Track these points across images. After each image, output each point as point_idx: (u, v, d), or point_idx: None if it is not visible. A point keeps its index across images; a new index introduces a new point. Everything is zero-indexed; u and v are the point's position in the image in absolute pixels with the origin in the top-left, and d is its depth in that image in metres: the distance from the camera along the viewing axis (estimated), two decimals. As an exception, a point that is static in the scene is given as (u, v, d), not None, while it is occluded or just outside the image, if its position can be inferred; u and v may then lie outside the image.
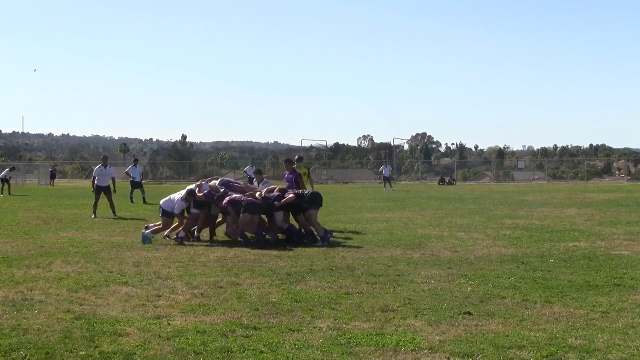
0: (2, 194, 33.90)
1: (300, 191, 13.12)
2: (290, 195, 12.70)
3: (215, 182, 13.35)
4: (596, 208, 20.83)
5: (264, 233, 12.34)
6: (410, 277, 8.49)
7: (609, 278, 8.35)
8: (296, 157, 15.92)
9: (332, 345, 5.45)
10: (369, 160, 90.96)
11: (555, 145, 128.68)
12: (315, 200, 12.74)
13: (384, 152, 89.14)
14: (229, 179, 15.04)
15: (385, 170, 40.67)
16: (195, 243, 12.39)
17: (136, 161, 28.51)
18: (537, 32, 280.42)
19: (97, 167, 20.09)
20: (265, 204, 12.55)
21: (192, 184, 13.91)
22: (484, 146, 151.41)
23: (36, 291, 7.67)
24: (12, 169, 39.62)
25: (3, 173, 36.06)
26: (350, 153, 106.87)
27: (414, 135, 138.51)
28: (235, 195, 12.56)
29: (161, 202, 13.15)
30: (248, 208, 12.18)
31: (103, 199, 19.17)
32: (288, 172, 14.67)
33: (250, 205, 12.23)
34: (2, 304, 6.98)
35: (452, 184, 49.99)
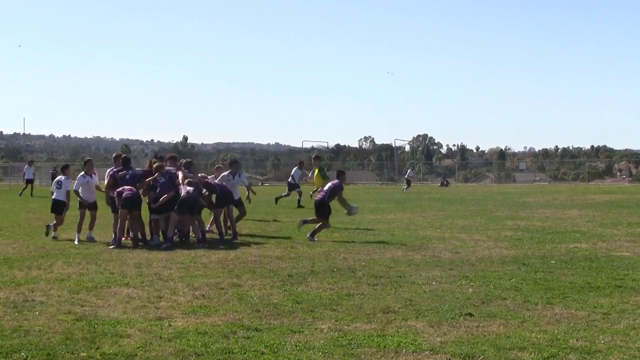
0: (30, 195, 30.93)
1: (188, 191, 12.36)
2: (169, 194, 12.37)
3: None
4: (597, 209, 20.82)
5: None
6: (412, 278, 8.50)
7: (610, 279, 8.35)
8: (313, 157, 16.56)
9: (333, 347, 5.45)
10: (370, 161, 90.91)
11: (556, 146, 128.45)
12: (182, 206, 12.22)
13: (385, 153, 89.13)
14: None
15: (410, 172, 43.41)
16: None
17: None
18: (538, 33, 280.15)
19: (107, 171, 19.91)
20: (138, 197, 12.39)
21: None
22: (485, 147, 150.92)
23: (37, 292, 7.68)
24: (31, 162, 37.63)
25: (28, 172, 33.45)
26: (352, 154, 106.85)
27: (415, 136, 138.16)
28: (125, 187, 12.45)
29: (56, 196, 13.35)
30: (124, 202, 12.14)
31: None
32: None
33: (125, 199, 12.16)
34: (3, 305, 7.00)
35: (445, 186, 49.18)
